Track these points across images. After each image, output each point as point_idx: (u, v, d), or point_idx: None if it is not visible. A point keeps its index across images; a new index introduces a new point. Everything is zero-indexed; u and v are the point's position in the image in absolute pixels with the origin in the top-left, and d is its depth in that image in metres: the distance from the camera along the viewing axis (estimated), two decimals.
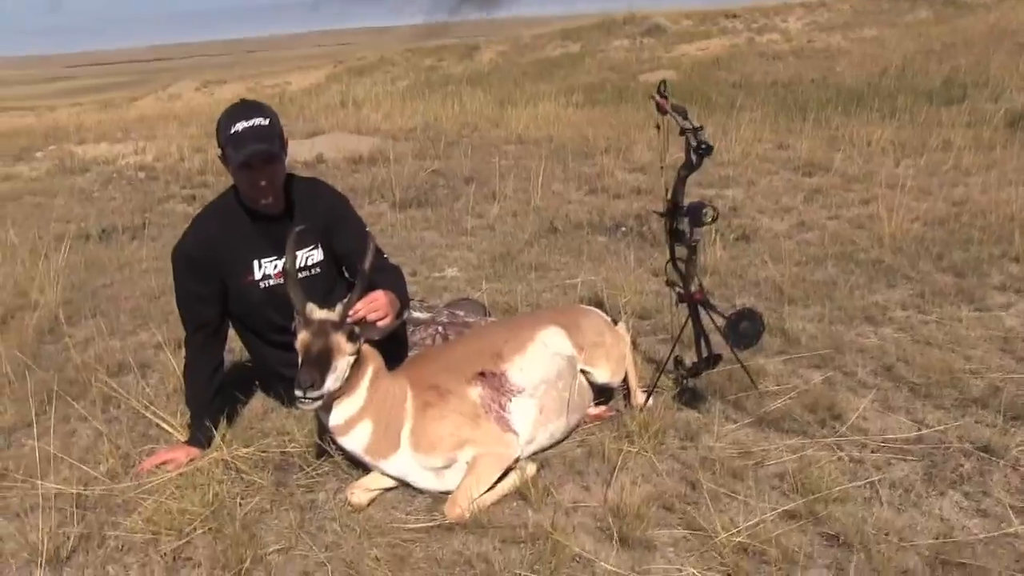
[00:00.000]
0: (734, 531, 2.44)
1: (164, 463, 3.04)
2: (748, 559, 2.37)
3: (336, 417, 2.70)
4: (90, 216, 7.52)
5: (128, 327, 4.80)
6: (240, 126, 2.92)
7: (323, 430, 2.95)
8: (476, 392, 2.88)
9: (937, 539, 2.43)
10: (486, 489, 2.72)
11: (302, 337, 2.61)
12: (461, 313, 3.64)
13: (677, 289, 3.29)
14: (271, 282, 3.18)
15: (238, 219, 3.14)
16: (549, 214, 6.75)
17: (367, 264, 2.70)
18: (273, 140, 2.96)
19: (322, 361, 2.55)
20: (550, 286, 4.94)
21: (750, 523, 2.49)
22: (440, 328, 3.52)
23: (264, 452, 3.08)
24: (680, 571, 2.36)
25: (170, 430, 3.31)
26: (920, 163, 7.36)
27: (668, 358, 3.36)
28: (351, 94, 15.94)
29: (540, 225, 6.43)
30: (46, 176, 9.63)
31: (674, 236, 3.24)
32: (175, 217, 7.48)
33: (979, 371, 3.37)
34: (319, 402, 2.56)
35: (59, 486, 2.86)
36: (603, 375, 3.22)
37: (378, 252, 3.38)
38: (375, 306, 2.75)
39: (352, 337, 2.65)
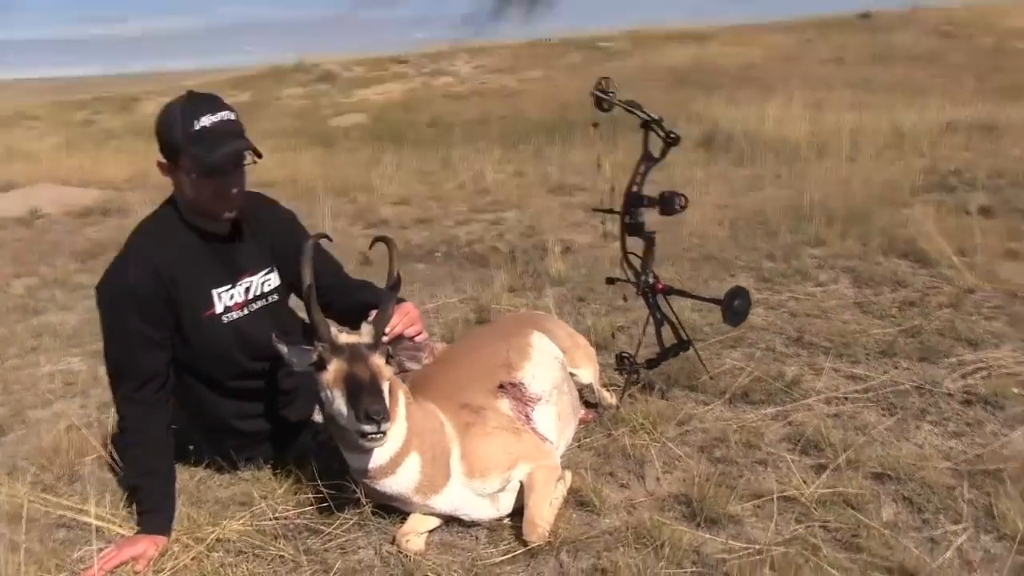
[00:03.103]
0: (814, 487, 2.53)
1: (126, 562, 2.36)
2: (832, 509, 2.46)
3: (379, 457, 2.31)
4: None
5: None
6: (207, 120, 2.39)
7: (337, 478, 2.51)
8: (505, 405, 2.65)
9: (947, 460, 2.74)
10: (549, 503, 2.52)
11: (336, 367, 2.22)
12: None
13: (634, 281, 3.33)
14: (234, 315, 2.63)
15: (187, 242, 2.57)
16: (346, 248, 6.42)
17: (395, 271, 2.37)
18: (245, 137, 2.47)
19: (379, 387, 2.18)
20: None
21: (822, 478, 2.60)
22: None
23: (260, 522, 2.52)
24: (781, 535, 2.38)
25: (101, 524, 2.54)
26: (661, 178, 8.22)
27: (636, 353, 3.38)
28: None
29: (349, 260, 6.07)
30: None
31: (630, 230, 3.30)
32: None
33: (864, 330, 3.86)
34: (386, 437, 2.19)
35: None
36: (587, 375, 3.16)
37: (340, 267, 3.02)
38: (411, 319, 2.43)
39: (388, 359, 2.32)
